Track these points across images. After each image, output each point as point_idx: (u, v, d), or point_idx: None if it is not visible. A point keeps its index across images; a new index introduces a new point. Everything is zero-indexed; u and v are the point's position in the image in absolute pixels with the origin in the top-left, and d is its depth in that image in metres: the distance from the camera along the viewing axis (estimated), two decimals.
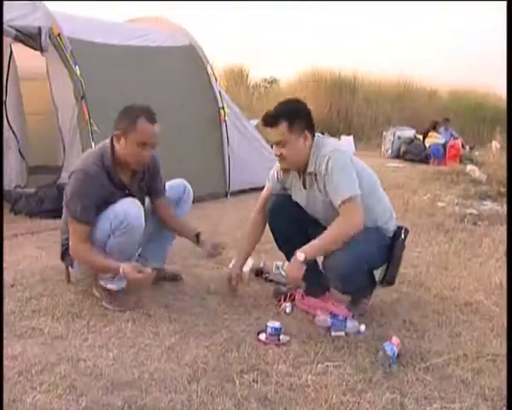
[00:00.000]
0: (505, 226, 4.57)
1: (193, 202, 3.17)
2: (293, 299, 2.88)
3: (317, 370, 2.23)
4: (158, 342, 2.40)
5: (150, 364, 2.21)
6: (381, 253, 2.71)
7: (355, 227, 2.54)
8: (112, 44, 5.32)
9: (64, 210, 2.77)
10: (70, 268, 2.97)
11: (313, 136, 2.68)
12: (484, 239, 4.48)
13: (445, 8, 22.69)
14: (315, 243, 2.61)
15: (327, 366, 2.27)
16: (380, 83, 15.41)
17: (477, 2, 20.15)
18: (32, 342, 2.34)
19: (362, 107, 14.36)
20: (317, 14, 24.42)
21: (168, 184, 3.03)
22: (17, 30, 4.53)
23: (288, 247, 2.79)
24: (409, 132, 11.34)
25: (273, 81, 17.18)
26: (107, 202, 2.66)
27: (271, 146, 7.77)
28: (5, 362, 2.07)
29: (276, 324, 2.47)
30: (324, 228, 2.66)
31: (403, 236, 2.75)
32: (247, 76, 16.11)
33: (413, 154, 10.59)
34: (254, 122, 7.52)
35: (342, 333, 2.55)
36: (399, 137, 11.07)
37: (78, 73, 4.69)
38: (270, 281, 3.25)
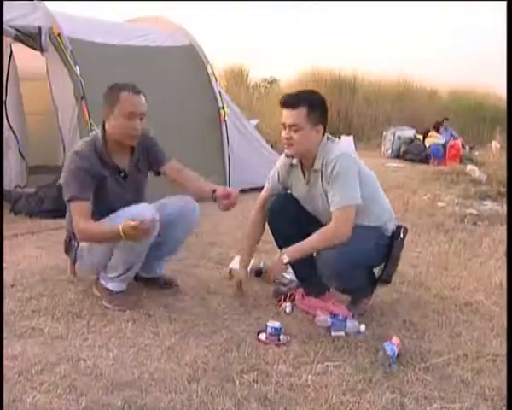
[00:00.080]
0: (505, 226, 4.57)
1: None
2: (293, 299, 2.88)
3: (317, 370, 2.23)
4: (158, 342, 2.40)
5: (150, 364, 2.21)
6: (378, 251, 2.72)
7: (341, 237, 2.56)
8: (112, 44, 5.31)
9: (67, 206, 2.75)
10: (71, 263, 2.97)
11: (323, 133, 2.68)
12: (484, 239, 4.48)
13: (445, 8, 22.72)
14: (299, 245, 2.65)
15: (327, 366, 2.27)
16: (380, 83, 15.42)
17: (477, 2, 20.16)
18: (32, 342, 2.34)
19: (362, 107, 14.36)
20: (317, 14, 24.45)
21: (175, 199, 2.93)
22: (17, 30, 4.53)
23: (288, 247, 2.79)
24: (409, 132, 11.35)
25: (273, 81, 17.18)
26: (101, 186, 2.65)
27: (271, 146, 7.73)
28: (5, 362, 2.07)
29: (276, 324, 2.47)
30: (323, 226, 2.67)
31: (402, 235, 2.75)
32: (247, 76, 16.11)
33: (413, 154, 10.59)
34: (254, 122, 7.53)
35: (342, 333, 2.55)
36: (399, 137, 11.07)
37: (78, 73, 4.69)
38: None
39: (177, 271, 3.25)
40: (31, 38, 4.57)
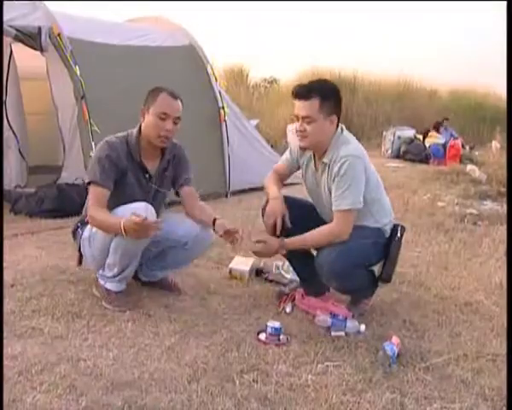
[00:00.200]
0: (505, 226, 4.57)
1: None
2: (294, 299, 2.88)
3: (317, 370, 2.24)
4: (158, 342, 2.40)
5: (150, 364, 2.21)
6: (377, 250, 2.72)
7: (340, 238, 2.58)
8: (112, 44, 5.31)
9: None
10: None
11: (338, 123, 2.66)
12: (484, 239, 4.48)
13: (445, 8, 22.71)
14: (299, 236, 2.65)
15: (327, 366, 2.27)
16: (380, 83, 15.40)
17: (477, 2, 20.15)
18: (32, 341, 2.34)
19: (362, 106, 14.33)
20: (317, 14, 24.42)
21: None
22: (17, 30, 4.53)
23: None
24: (409, 132, 11.33)
25: (273, 81, 17.16)
26: (122, 181, 2.69)
27: (271, 146, 7.73)
28: (5, 362, 2.07)
29: (276, 324, 2.47)
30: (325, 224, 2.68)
31: (399, 234, 2.75)
32: (247, 76, 16.10)
33: (413, 154, 10.58)
34: (254, 122, 7.53)
35: (342, 333, 2.55)
36: (399, 137, 11.06)
37: (78, 72, 4.69)
38: (270, 281, 3.25)
39: (177, 271, 3.25)
40: (31, 38, 4.57)
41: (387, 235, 2.75)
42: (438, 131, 11.39)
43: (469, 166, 8.36)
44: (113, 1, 19.58)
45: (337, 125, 2.66)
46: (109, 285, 2.78)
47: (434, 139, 10.88)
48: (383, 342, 2.38)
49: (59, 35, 4.69)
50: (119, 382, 2.05)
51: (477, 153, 10.97)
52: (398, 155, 10.85)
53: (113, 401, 1.92)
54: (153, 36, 5.85)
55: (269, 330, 2.45)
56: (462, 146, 10.79)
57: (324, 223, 2.71)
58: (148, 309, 2.74)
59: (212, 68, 6.15)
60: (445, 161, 9.96)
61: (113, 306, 2.73)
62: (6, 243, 3.34)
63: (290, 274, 3.18)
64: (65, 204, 4.62)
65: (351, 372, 2.22)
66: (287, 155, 2.93)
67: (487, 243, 4.37)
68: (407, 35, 23.64)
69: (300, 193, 3.08)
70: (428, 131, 11.32)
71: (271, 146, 7.05)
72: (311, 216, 2.81)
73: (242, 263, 3.37)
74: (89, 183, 2.68)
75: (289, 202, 2.81)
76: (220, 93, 6.06)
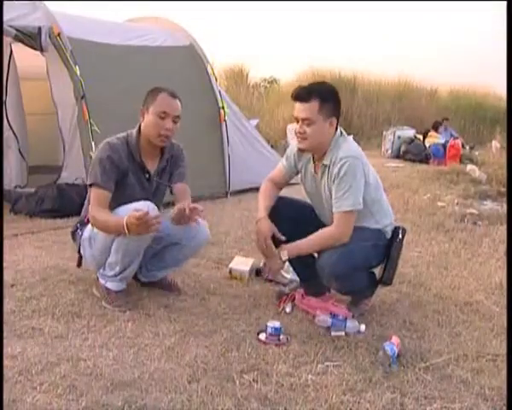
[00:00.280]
0: (505, 226, 4.57)
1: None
2: (294, 299, 2.88)
3: (317, 370, 2.23)
4: (158, 342, 2.40)
5: (150, 364, 2.21)
6: (377, 252, 2.72)
7: (340, 240, 2.58)
8: (112, 44, 5.32)
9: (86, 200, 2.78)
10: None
11: (337, 126, 2.66)
12: (484, 239, 4.48)
13: (445, 8, 22.73)
14: (299, 243, 2.65)
15: (327, 366, 2.27)
16: (380, 83, 15.41)
17: (477, 2, 20.16)
18: (32, 341, 2.34)
19: (362, 106, 14.34)
20: (317, 14, 24.45)
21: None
22: (17, 30, 4.53)
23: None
24: (409, 132, 11.34)
25: (273, 81, 17.17)
26: (123, 182, 2.69)
27: (271, 146, 7.72)
28: (5, 362, 2.07)
29: (276, 324, 2.47)
30: (324, 226, 2.68)
31: (400, 236, 2.75)
32: (247, 76, 16.10)
33: (413, 154, 10.58)
34: (254, 122, 7.53)
35: (342, 333, 2.55)
36: (399, 137, 11.06)
37: (78, 72, 4.69)
38: (270, 281, 3.25)
39: (177, 271, 3.25)
40: (31, 38, 4.57)
41: (388, 237, 2.75)
42: (436, 130, 11.39)
43: (469, 166, 8.36)
44: (113, 1, 19.59)
45: (336, 128, 2.67)
46: (110, 284, 2.78)
47: (434, 139, 10.89)
48: (383, 342, 2.38)
49: (59, 35, 4.69)
50: (119, 382, 2.05)
51: (477, 153, 10.97)
52: (398, 155, 10.86)
53: (113, 401, 1.92)
54: (153, 36, 5.85)
55: (269, 330, 2.45)
56: (462, 146, 10.79)
57: (323, 225, 2.71)
58: (148, 309, 2.74)
59: (212, 68, 6.15)
60: (445, 160, 9.96)
61: (113, 306, 2.73)
62: (6, 242, 3.35)
63: (290, 274, 3.18)
64: (65, 204, 4.63)
65: (351, 372, 2.22)
66: (283, 162, 2.92)
67: (487, 242, 4.37)
68: (407, 35, 23.71)
69: (300, 193, 3.08)
70: (428, 131, 11.33)
71: (271, 146, 7.05)
72: (310, 217, 2.81)
73: (242, 263, 3.37)
74: (90, 185, 2.69)
75: (287, 202, 2.82)
76: (220, 93, 6.06)
